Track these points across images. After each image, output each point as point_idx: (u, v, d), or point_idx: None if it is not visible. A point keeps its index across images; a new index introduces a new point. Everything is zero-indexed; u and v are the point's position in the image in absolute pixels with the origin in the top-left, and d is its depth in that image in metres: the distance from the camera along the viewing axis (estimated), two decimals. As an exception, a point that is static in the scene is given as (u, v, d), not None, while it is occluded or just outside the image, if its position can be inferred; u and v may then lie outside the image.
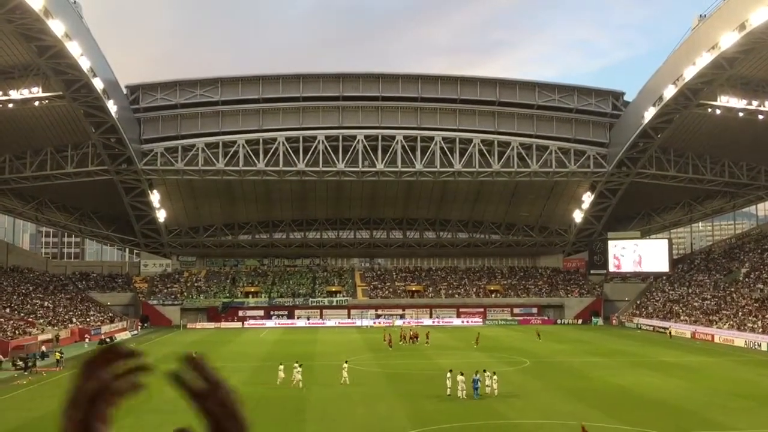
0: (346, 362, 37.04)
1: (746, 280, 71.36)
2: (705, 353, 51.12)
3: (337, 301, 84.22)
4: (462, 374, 31.65)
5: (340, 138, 71.24)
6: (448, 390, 32.02)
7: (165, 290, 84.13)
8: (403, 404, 30.42)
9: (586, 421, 26.47)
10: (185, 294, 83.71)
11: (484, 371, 32.86)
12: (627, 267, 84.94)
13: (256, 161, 70.81)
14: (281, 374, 35.55)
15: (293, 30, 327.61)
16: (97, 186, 72.24)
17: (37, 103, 58.44)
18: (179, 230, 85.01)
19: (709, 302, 70.71)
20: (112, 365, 1.40)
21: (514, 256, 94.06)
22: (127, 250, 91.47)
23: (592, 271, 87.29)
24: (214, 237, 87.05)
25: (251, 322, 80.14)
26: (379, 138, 71.56)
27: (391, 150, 71.46)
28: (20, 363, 44.04)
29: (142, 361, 1.41)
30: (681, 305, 73.68)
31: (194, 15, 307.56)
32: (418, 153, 71.77)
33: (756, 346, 54.51)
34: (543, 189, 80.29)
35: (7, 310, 62.04)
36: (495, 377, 32.29)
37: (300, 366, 35.93)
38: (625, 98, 75.25)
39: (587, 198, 78.96)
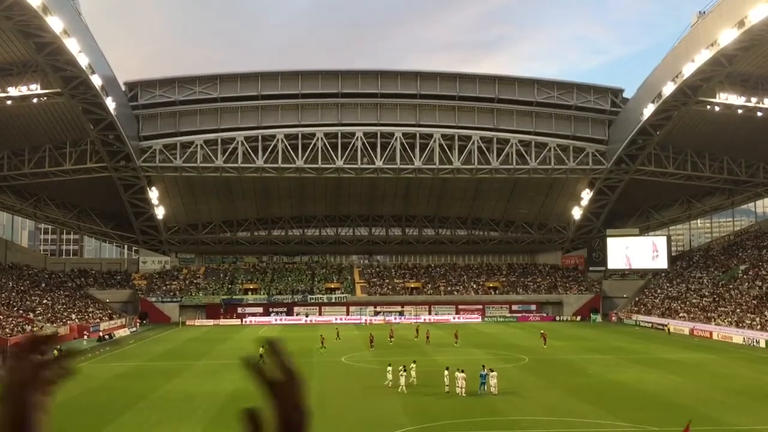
0: (414, 362, 35.16)
1: (745, 277, 71.43)
2: (703, 350, 51.18)
3: (335, 297, 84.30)
4: (462, 371, 31.69)
5: (339, 135, 71.22)
6: (446, 387, 32.09)
7: (164, 287, 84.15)
8: (402, 400, 30.44)
9: (585, 417, 26.56)
10: (184, 291, 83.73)
11: (486, 367, 32.93)
12: (626, 264, 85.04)
13: (254, 158, 70.79)
14: (389, 375, 33.69)
15: (292, 26, 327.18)
16: (95, 183, 72.20)
17: (35, 100, 58.35)
18: (178, 227, 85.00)
19: (707, 299, 70.80)
20: (38, 353, 1.43)
21: (513, 253, 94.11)
22: (125, 247, 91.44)
23: (591, 268, 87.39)
24: (212, 234, 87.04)
25: (250, 318, 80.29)
26: (378, 135, 71.55)
27: (390, 147, 71.44)
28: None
29: (67, 348, 1.46)
30: (679, 302, 73.78)
31: (193, 12, 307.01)
32: (417, 150, 71.77)
33: (754, 343, 54.60)
34: (542, 186, 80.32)
35: (6, 308, 62.01)
36: (494, 373, 32.33)
37: (414, 363, 34.53)
38: (625, 95, 75.28)
39: (586, 195, 78.99)
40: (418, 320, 77.07)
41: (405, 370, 32.98)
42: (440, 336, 59.15)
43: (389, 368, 34.01)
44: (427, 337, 55.73)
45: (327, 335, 55.33)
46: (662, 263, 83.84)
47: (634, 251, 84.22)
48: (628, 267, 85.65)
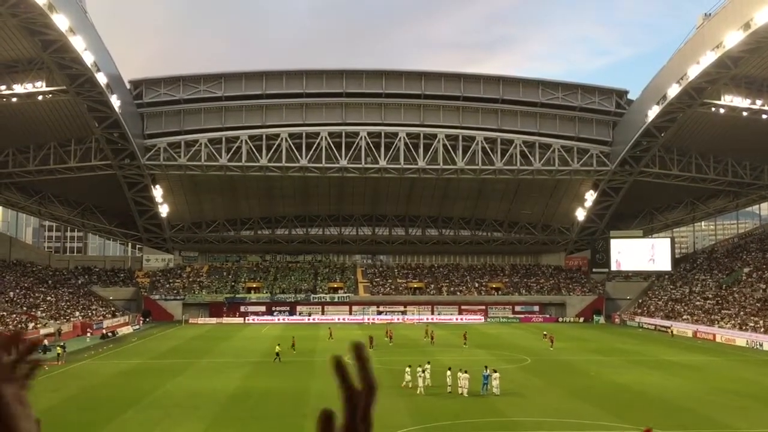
0: (428, 363, 34.61)
1: (748, 279, 71.28)
2: (706, 352, 51.10)
3: (338, 297, 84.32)
4: (466, 371, 31.68)
5: (343, 134, 71.23)
6: (449, 387, 32.09)
7: (167, 285, 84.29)
8: (404, 400, 30.44)
9: (588, 419, 26.54)
10: (187, 289, 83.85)
11: (488, 368, 32.92)
12: (629, 266, 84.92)
13: (258, 157, 70.86)
14: (407, 377, 33.31)
15: (296, 25, 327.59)
16: (99, 181, 72.34)
17: (40, 97, 58.45)
18: (182, 225, 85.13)
19: (711, 302, 70.65)
20: (7, 352, 1.46)
21: (517, 254, 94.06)
22: (129, 244, 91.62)
23: (594, 270, 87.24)
24: (216, 232, 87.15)
25: (253, 317, 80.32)
26: (382, 135, 71.55)
27: (393, 147, 71.45)
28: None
29: (31, 342, 1.49)
30: (683, 304, 73.64)
31: (198, 10, 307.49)
32: (421, 150, 71.77)
33: (758, 346, 54.48)
34: (546, 187, 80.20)
35: (10, 304, 62.20)
36: (496, 374, 32.32)
37: (428, 364, 33.87)
38: (629, 96, 75.18)
39: (590, 196, 78.87)
40: (427, 320, 77.08)
41: (423, 372, 32.57)
42: (444, 336, 59.09)
43: (408, 369, 33.67)
44: (432, 338, 55.62)
45: (299, 335, 55.12)
46: (666, 265, 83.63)
47: (638, 253, 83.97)
48: (630, 269, 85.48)
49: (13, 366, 1.43)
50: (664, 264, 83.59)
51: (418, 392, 31.83)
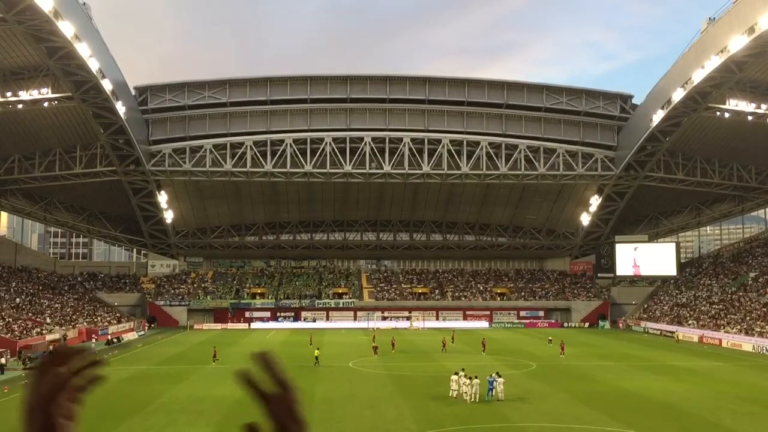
0: (462, 369, 33.26)
1: (754, 284, 71.00)
2: (712, 358, 50.87)
3: (343, 302, 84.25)
4: (476, 377, 31.54)
5: (348, 140, 71.33)
6: (453, 392, 32.00)
7: (172, 291, 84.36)
8: (409, 406, 30.38)
9: (593, 425, 26.45)
10: (192, 295, 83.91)
11: (495, 374, 32.82)
12: (634, 270, 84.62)
13: (263, 163, 70.99)
14: (453, 385, 32.26)
15: (301, 31, 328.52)
16: (105, 187, 72.58)
17: (46, 104, 58.74)
18: (186, 231, 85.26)
19: (716, 307, 70.39)
20: (65, 364, 1.45)
21: (521, 259, 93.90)
22: (134, 250, 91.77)
23: (599, 275, 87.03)
24: (221, 238, 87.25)
25: (258, 323, 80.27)
26: (387, 140, 71.61)
27: (398, 152, 71.51)
28: (29, 363, 44.30)
29: (93, 357, 1.47)
30: (688, 309, 73.37)
31: (202, 16, 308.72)
32: (426, 155, 71.79)
33: (764, 351, 54.22)
34: (550, 192, 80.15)
35: (16, 310, 62.33)
36: (501, 380, 32.23)
37: (462, 371, 32.42)
38: (634, 101, 75.08)
39: (595, 201, 78.78)
40: (452, 327, 76.72)
41: (470, 380, 31.77)
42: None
43: (453, 377, 32.71)
44: (444, 344, 55.01)
45: (302, 341, 54.58)
46: (671, 270, 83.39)
47: (643, 258, 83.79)
48: (636, 274, 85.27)
49: (68, 379, 1.43)
50: (670, 269, 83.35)
51: (465, 399, 31.19)
